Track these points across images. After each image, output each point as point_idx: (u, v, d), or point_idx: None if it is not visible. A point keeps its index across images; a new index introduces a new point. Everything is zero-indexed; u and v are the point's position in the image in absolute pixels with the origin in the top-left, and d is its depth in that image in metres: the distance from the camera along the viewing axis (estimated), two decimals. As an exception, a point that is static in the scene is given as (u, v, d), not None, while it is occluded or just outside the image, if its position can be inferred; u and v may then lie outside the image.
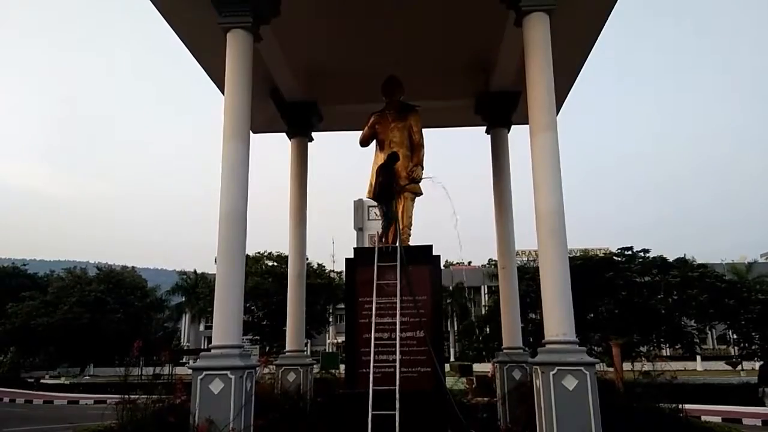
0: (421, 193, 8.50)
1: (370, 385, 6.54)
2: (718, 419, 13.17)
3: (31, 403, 24.98)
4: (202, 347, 54.00)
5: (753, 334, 36.61)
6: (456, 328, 55.62)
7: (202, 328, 67.96)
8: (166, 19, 8.00)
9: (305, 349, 10.57)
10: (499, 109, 9.82)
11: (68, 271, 53.67)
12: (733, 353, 44.39)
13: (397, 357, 6.85)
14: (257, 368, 7.03)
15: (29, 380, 34.33)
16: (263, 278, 40.10)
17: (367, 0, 8.27)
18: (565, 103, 10.35)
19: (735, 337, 39.96)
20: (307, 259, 12.05)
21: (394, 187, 8.12)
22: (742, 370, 35.36)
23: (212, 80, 9.42)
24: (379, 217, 8.84)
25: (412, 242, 8.24)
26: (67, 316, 43.48)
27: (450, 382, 8.82)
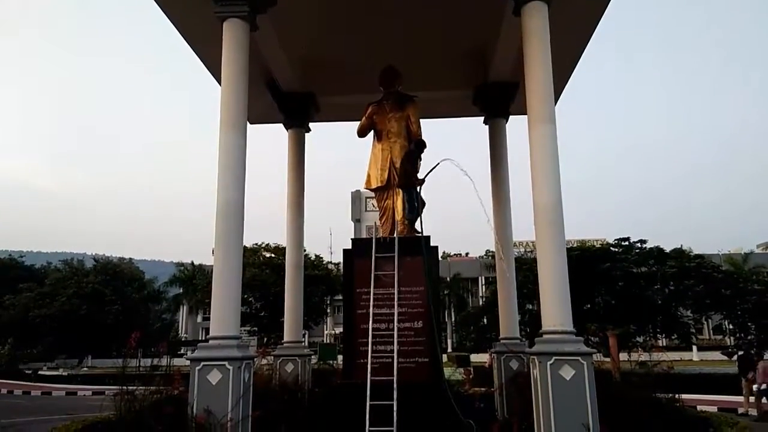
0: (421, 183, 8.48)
1: (368, 375, 6.56)
2: (714, 409, 13.23)
3: (29, 394, 25.01)
4: (200, 338, 54.10)
5: (749, 324, 36.77)
6: (453, 319, 55.77)
7: (199, 319, 68.07)
8: (162, 8, 7.94)
9: (303, 340, 10.59)
10: (497, 99, 9.79)
11: (65, 262, 53.61)
12: (729, 343, 44.61)
13: (395, 348, 6.87)
14: (255, 359, 7.04)
15: (27, 372, 34.35)
16: (261, 269, 40.07)
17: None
18: (563, 93, 10.33)
19: (731, 327, 40.12)
20: (305, 250, 12.05)
21: (416, 176, 8.08)
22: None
23: (209, 70, 9.37)
24: (377, 209, 8.84)
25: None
26: (64, 308, 43.50)
27: (447, 372, 8.85)
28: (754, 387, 14.92)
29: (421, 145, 8.10)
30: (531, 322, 28.89)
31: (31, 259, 63.91)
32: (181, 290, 56.36)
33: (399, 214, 8.25)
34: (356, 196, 59.42)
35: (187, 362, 6.15)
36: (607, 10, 8.13)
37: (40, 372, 35.32)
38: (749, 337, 36.02)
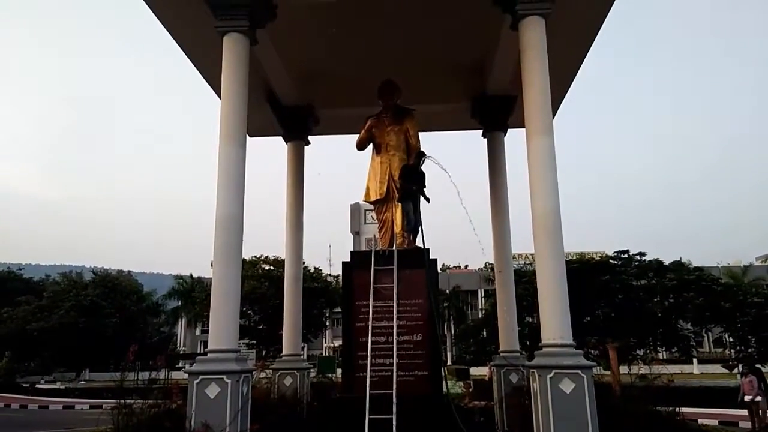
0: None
1: (367, 389, 6.53)
2: (714, 422, 13.17)
3: (26, 408, 24.83)
4: (199, 352, 53.77)
5: (749, 337, 36.62)
6: (453, 332, 55.53)
7: (198, 332, 67.64)
8: (162, 23, 8.00)
9: (302, 353, 10.55)
10: (495, 112, 9.84)
11: (64, 275, 53.35)
12: (729, 356, 44.42)
13: (394, 361, 6.84)
14: (253, 372, 7.01)
15: (24, 385, 34.14)
16: (260, 282, 39.89)
17: (363, 4, 8.29)
18: (562, 105, 10.38)
19: (731, 340, 39.97)
20: (304, 262, 12.04)
21: (416, 189, 8.08)
22: (739, 373, 35.36)
23: (209, 84, 9.42)
24: (376, 221, 8.85)
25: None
26: (62, 321, 43.24)
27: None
28: (746, 397, 14.77)
29: (421, 156, 8.13)
30: (531, 335, 28.78)
31: (30, 271, 63.63)
32: (180, 303, 56.04)
33: (398, 227, 8.26)
34: (355, 209, 59.39)
35: (186, 375, 6.12)
36: (604, 23, 8.20)
37: (37, 385, 35.13)
38: (749, 350, 35.86)
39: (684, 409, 7.22)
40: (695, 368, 42.19)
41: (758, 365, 16.33)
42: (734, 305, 35.97)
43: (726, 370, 38.02)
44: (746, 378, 14.91)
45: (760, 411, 14.58)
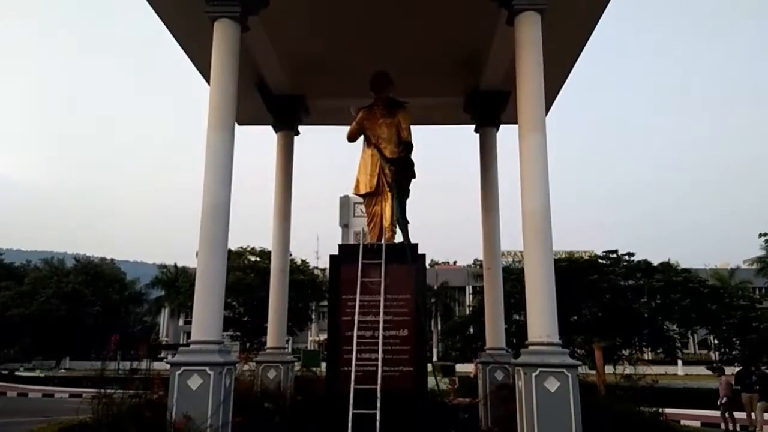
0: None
1: (352, 383, 6.49)
2: (697, 423, 13.26)
3: (4, 395, 24.57)
4: (181, 342, 53.49)
5: (734, 339, 37.00)
6: (440, 328, 55.68)
7: (181, 322, 67.30)
8: (152, 6, 7.85)
9: (286, 346, 10.49)
10: (488, 108, 9.79)
11: (45, 261, 52.85)
12: (713, 358, 44.89)
13: (380, 356, 6.79)
14: (237, 365, 6.94)
15: (3, 372, 33.79)
16: (245, 273, 39.73)
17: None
18: (556, 101, 10.36)
19: (716, 342, 40.38)
20: (291, 254, 11.96)
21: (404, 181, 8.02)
22: (723, 375, 35.69)
23: (198, 70, 9.29)
24: (365, 214, 8.78)
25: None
26: (43, 308, 42.82)
27: (432, 382, 8.79)
28: (727, 400, 14.84)
29: (409, 148, 8.11)
30: (518, 332, 28.83)
31: (11, 257, 62.66)
32: (163, 293, 55.64)
33: (387, 221, 8.19)
34: (344, 202, 59.30)
35: (167, 366, 6.04)
36: (600, 20, 8.16)
37: (16, 373, 34.78)
38: (733, 352, 36.25)
39: (667, 410, 7.26)
40: (680, 369, 42.67)
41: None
42: (720, 307, 36.31)
43: (710, 372, 38.41)
44: (726, 378, 15.08)
45: (754, 413, 14.67)
